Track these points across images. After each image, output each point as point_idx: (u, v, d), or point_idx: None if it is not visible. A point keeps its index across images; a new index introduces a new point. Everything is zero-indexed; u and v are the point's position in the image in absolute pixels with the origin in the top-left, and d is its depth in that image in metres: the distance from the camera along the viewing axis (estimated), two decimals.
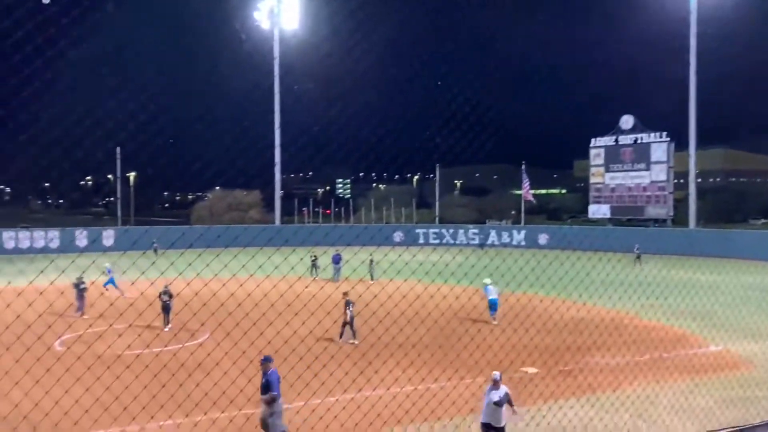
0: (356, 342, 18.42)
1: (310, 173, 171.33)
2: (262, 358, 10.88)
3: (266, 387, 10.48)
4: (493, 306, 21.55)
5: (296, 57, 62.91)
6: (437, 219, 71.01)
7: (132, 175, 79.59)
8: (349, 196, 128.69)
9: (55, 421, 9.77)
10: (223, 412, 11.67)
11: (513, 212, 77.02)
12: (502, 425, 10.23)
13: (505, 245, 56.37)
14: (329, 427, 11.20)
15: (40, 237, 51.49)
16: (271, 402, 10.40)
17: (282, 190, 65.08)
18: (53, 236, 51.87)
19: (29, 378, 10.53)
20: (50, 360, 14.13)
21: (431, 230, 61.04)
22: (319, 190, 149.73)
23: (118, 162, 65.39)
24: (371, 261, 31.87)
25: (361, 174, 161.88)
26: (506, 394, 10.39)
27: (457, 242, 58.38)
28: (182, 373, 13.01)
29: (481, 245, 55.25)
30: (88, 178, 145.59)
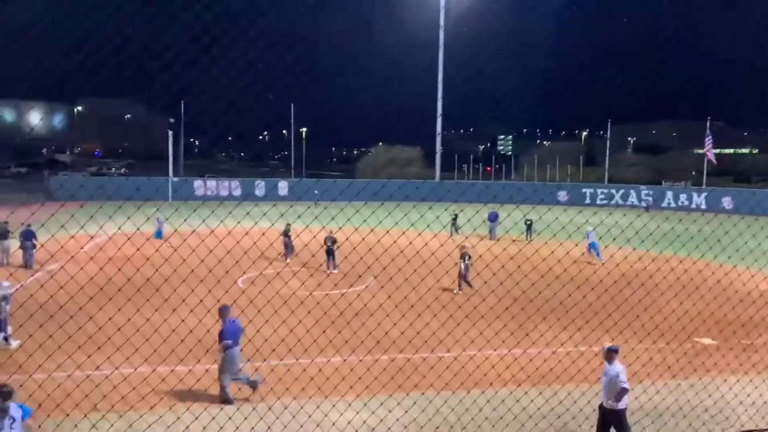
0: (458, 292, 18.77)
1: (471, 129, 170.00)
2: (220, 306, 10.89)
3: (220, 335, 10.61)
4: (594, 247, 23.97)
5: (462, 10, 61.85)
6: (606, 178, 67.24)
7: (304, 130, 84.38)
8: (510, 152, 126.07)
9: (241, 345, 10.93)
10: (385, 352, 12.30)
11: (693, 173, 70.67)
12: (612, 407, 8.72)
13: (682, 208, 52.16)
14: (484, 378, 11.38)
15: (224, 186, 56.74)
16: (224, 349, 10.51)
17: (442, 146, 65.24)
18: (236, 185, 56.89)
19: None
20: (236, 293, 15.76)
21: (599, 190, 58.06)
22: (480, 146, 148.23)
23: (292, 118, 69.57)
24: (529, 221, 30.97)
25: (524, 130, 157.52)
26: (617, 374, 8.65)
27: (628, 203, 55.06)
28: (349, 313, 13.88)
29: (647, 207, 51.63)
30: (266, 133, 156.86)
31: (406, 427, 9.62)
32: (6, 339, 13.33)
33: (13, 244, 22.74)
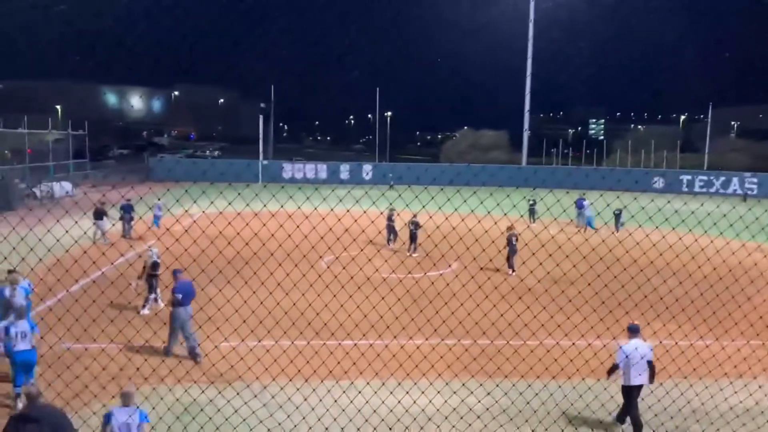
0: (513, 274, 19.51)
1: (561, 113, 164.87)
2: (174, 269, 12.19)
3: (172, 291, 11.82)
4: (589, 221, 28.19)
5: None
6: (706, 164, 63.45)
7: (389, 114, 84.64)
8: (602, 137, 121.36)
9: (325, 321, 11.14)
10: (467, 334, 12.16)
11: None
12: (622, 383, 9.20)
13: None
14: (570, 366, 11.03)
15: (310, 169, 57.92)
16: (174, 305, 11.69)
17: (530, 130, 63.58)
18: (321, 169, 57.94)
19: (304, 284, 12.12)
20: (319, 271, 16.04)
21: (698, 177, 54.86)
22: (569, 130, 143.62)
23: (378, 102, 69.86)
24: (618, 211, 29.50)
25: (617, 114, 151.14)
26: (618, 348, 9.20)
27: (729, 191, 51.73)
28: (431, 295, 13.80)
29: (744, 196, 48.25)
30: (352, 117, 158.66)
31: (488, 409, 9.48)
32: (156, 300, 14.88)
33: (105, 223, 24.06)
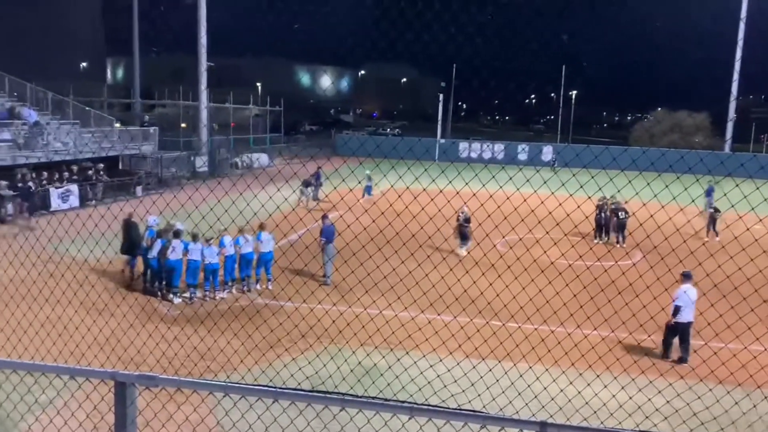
0: (621, 245, 21.22)
1: None
2: (322, 215, 16.54)
3: (321, 233, 16.18)
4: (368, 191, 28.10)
5: None
6: None
7: (574, 93, 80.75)
8: None
9: (497, 311, 11.03)
10: (650, 336, 11.37)
11: None
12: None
13: None
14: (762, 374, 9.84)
15: (488, 149, 57.41)
16: (324, 244, 15.97)
17: (735, 113, 57.09)
18: (499, 149, 57.19)
19: (485, 264, 12.10)
20: (494, 255, 15.91)
21: None
22: None
23: (563, 80, 66.98)
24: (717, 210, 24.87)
25: None
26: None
27: None
28: (610, 290, 13.04)
29: None
30: (533, 96, 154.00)
31: (677, 410, 8.80)
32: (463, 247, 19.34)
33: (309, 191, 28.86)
